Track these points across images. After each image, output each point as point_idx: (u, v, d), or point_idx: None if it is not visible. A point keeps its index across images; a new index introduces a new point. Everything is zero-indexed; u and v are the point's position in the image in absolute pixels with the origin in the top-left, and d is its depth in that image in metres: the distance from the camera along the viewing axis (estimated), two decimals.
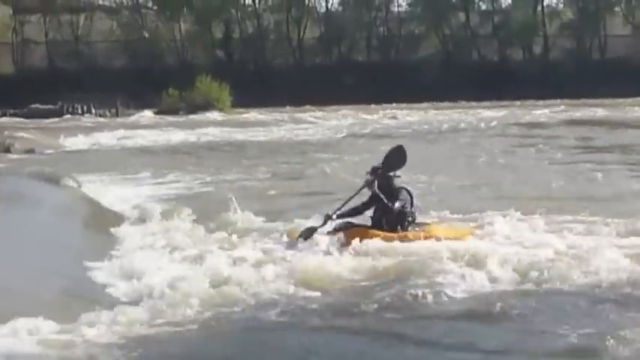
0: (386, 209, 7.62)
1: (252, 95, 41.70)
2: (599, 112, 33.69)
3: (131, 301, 5.78)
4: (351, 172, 12.54)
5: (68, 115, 38.61)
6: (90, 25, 53.39)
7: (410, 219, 7.74)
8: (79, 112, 39.92)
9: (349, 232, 7.48)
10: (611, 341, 4.79)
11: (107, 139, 25.12)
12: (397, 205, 7.61)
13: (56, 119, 36.37)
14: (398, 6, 57.52)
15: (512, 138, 22.04)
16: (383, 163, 7.94)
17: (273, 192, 11.94)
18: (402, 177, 8.11)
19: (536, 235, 8.03)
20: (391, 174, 7.88)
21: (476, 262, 6.68)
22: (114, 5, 55.90)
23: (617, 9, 56.42)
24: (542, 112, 34.81)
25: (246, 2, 55.97)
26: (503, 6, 57.37)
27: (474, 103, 40.59)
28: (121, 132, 27.57)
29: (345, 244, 7.24)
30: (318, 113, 36.31)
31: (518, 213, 8.93)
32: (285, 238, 7.82)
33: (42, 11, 52.28)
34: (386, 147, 8.84)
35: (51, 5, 52.27)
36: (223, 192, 12.02)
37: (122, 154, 20.44)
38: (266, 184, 13.03)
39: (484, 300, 5.82)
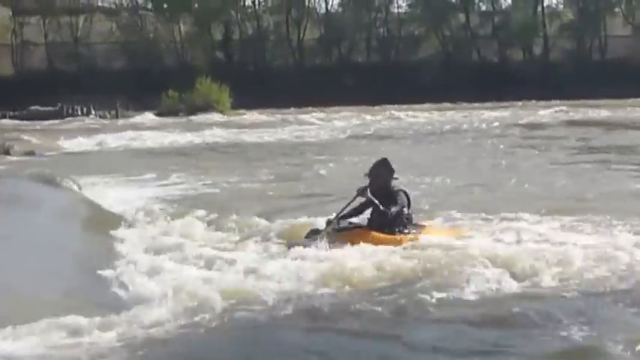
0: (382, 213, 7.60)
1: (252, 96, 41.66)
2: (600, 113, 33.70)
3: (133, 303, 5.77)
4: (353, 173, 12.47)
5: (68, 117, 38.55)
6: (89, 26, 53.37)
7: (406, 220, 7.74)
8: (79, 113, 39.84)
9: (350, 233, 7.47)
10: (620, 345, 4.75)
11: (107, 140, 25.01)
12: (394, 209, 7.59)
13: (56, 121, 36.33)
14: (398, 7, 57.69)
15: (514, 139, 22.03)
16: (370, 177, 7.89)
17: (275, 193, 11.94)
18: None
19: (539, 235, 7.99)
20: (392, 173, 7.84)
21: (476, 263, 6.66)
22: (113, 7, 55.88)
23: (617, 9, 56.44)
24: (543, 112, 34.79)
25: (246, 3, 56.07)
26: (503, 7, 57.49)
27: (475, 104, 40.57)
28: (121, 134, 27.48)
29: (345, 245, 7.24)
30: (319, 114, 36.29)
31: (522, 214, 8.94)
32: (285, 239, 7.81)
33: (41, 13, 52.25)
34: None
35: (50, 7, 52.29)
36: (225, 193, 12.07)
37: (122, 155, 20.41)
38: (268, 185, 13.02)
39: (486, 301, 5.82)
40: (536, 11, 56.02)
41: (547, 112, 35.18)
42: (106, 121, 36.86)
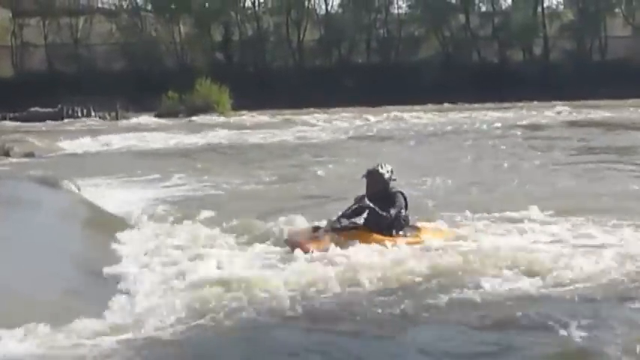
0: (381, 217, 7.58)
1: (251, 98, 41.64)
2: (600, 114, 33.67)
3: (133, 305, 5.76)
4: (354, 174, 12.44)
5: (68, 119, 38.53)
6: (89, 28, 53.35)
7: (403, 222, 7.73)
8: (79, 115, 39.83)
9: (348, 234, 7.45)
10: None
11: (107, 142, 25.01)
12: (393, 211, 7.57)
13: (56, 122, 36.35)
14: (398, 8, 57.66)
15: (515, 139, 22.00)
16: (367, 179, 7.89)
17: (276, 194, 11.94)
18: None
19: (541, 236, 7.99)
20: (386, 177, 7.80)
21: (473, 264, 6.66)
22: (113, 8, 55.89)
23: (617, 10, 56.39)
24: (544, 113, 34.78)
25: (246, 5, 56.04)
26: (503, 7, 57.44)
27: (476, 105, 40.59)
28: (121, 135, 27.46)
29: (343, 246, 7.22)
30: (320, 115, 36.31)
31: (523, 214, 8.95)
32: (285, 240, 7.77)
33: (41, 14, 52.22)
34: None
35: (50, 8, 52.27)
36: (226, 195, 12.05)
37: (122, 157, 20.37)
38: (270, 187, 13.01)
39: (486, 302, 5.79)
40: (536, 12, 55.99)
41: (547, 112, 35.16)
42: (106, 123, 36.84)
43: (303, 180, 13.81)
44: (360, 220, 7.63)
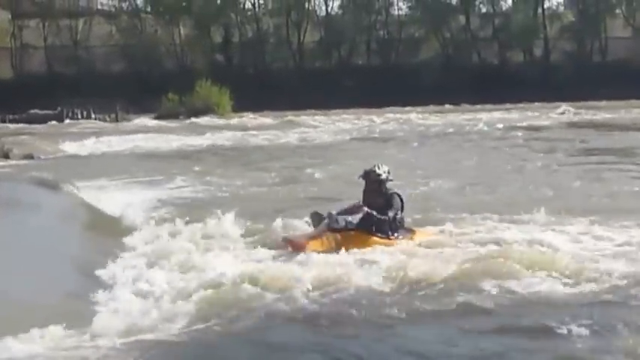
0: (379, 220, 7.56)
1: (252, 99, 41.59)
2: (601, 115, 33.65)
3: (133, 307, 5.75)
4: (356, 176, 12.42)
5: (67, 121, 38.50)
6: (89, 29, 53.34)
7: (399, 224, 7.75)
8: (79, 117, 39.79)
9: (345, 235, 7.44)
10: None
11: (107, 144, 25.00)
12: (390, 214, 7.56)
13: (55, 124, 36.31)
14: (398, 9, 57.66)
15: (517, 141, 21.98)
16: (364, 179, 7.90)
17: (279, 196, 11.92)
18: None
19: (544, 237, 7.92)
20: (383, 177, 7.71)
21: (469, 265, 6.65)
22: (113, 10, 55.91)
23: (617, 11, 56.41)
24: (545, 115, 34.76)
25: (246, 6, 56.03)
26: (504, 9, 57.42)
27: (478, 107, 40.62)
28: (121, 137, 27.44)
29: (343, 247, 7.23)
30: (321, 117, 36.35)
31: (526, 215, 8.90)
32: (283, 239, 7.77)
33: (41, 16, 52.22)
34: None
35: (50, 10, 52.27)
36: (227, 196, 12.01)
37: (122, 159, 20.33)
38: (271, 188, 12.94)
39: (484, 303, 5.77)
40: (537, 13, 56.00)
41: (549, 114, 35.15)
42: (105, 125, 36.78)
43: (306, 182, 13.74)
44: (355, 219, 7.61)
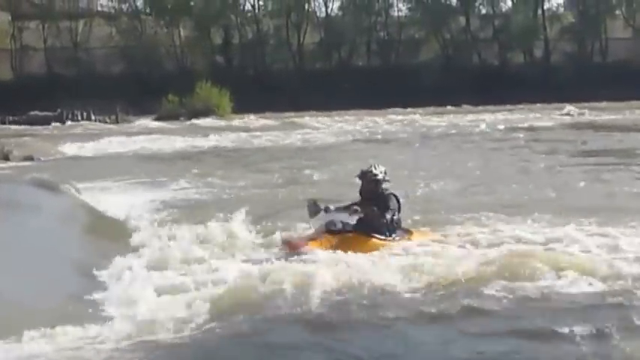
0: (377, 223, 7.56)
1: (252, 101, 41.58)
2: (606, 116, 33.67)
3: (133, 309, 5.74)
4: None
5: (67, 122, 38.46)
6: (89, 31, 53.38)
7: (395, 225, 7.74)
8: (79, 118, 39.76)
9: (343, 237, 7.43)
10: None
11: (107, 145, 25.00)
12: (388, 216, 7.57)
13: (55, 126, 36.28)
14: (398, 11, 57.69)
15: (519, 142, 21.97)
16: (361, 179, 7.91)
17: (282, 198, 11.89)
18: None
19: (539, 238, 7.94)
20: (380, 178, 7.72)
21: (465, 265, 6.64)
22: (112, 11, 55.96)
23: (617, 12, 56.45)
24: (547, 115, 34.75)
25: (246, 8, 56.11)
26: (504, 10, 57.46)
27: (479, 108, 40.63)
28: (121, 138, 27.46)
29: (342, 249, 7.21)
30: (322, 118, 36.32)
31: (522, 217, 8.96)
32: (282, 241, 7.76)
33: (40, 18, 52.27)
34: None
35: (49, 12, 52.32)
36: (228, 199, 11.97)
37: (122, 160, 20.29)
38: (275, 190, 12.89)
39: (482, 304, 5.75)
40: (537, 14, 56.03)
41: (550, 115, 35.16)
42: (105, 126, 36.78)
43: (310, 183, 13.69)
44: (353, 221, 7.62)
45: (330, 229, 7.53)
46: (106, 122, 39.04)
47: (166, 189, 13.38)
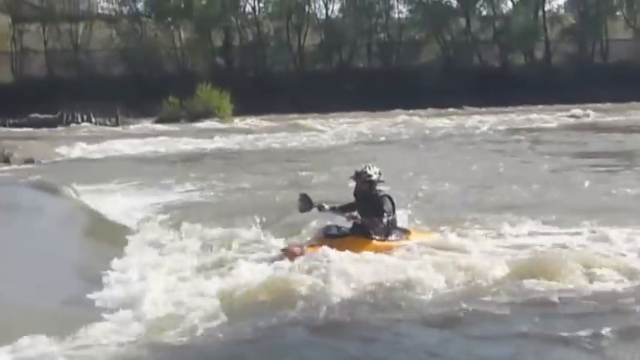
0: (375, 226, 7.54)
1: (252, 103, 41.55)
2: (604, 117, 33.62)
3: (136, 312, 5.73)
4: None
5: (68, 125, 38.44)
6: (89, 33, 53.37)
7: (391, 225, 7.73)
8: (79, 121, 39.75)
9: (341, 241, 7.41)
10: None
11: (107, 148, 24.98)
12: (385, 220, 7.57)
13: (55, 128, 36.27)
14: (398, 12, 57.66)
15: (523, 143, 21.96)
16: (356, 180, 7.89)
17: (283, 201, 11.72)
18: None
19: (538, 240, 7.96)
20: (374, 178, 7.73)
21: (463, 266, 6.63)
22: (113, 14, 55.95)
23: (618, 13, 56.45)
24: (547, 117, 34.71)
25: (246, 10, 56.10)
26: (504, 11, 57.45)
27: (482, 109, 40.58)
28: (122, 141, 27.46)
29: (338, 252, 7.17)
30: (324, 120, 36.29)
31: (524, 218, 8.94)
32: (282, 250, 7.69)
33: (41, 20, 52.26)
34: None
35: (50, 14, 52.30)
36: (231, 201, 11.90)
37: (122, 163, 20.27)
38: (278, 192, 12.81)
39: (483, 306, 5.74)
40: (537, 15, 56.00)
41: (551, 116, 35.10)
42: (106, 128, 36.78)
43: (311, 185, 13.60)
44: (348, 224, 7.62)
45: (327, 234, 7.52)
46: (107, 124, 39.02)
47: (170, 191, 13.36)
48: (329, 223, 7.76)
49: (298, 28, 54.93)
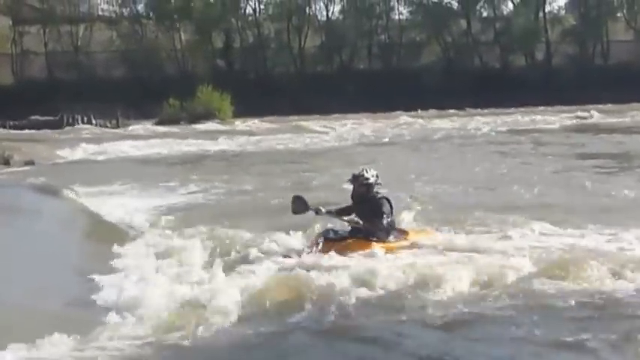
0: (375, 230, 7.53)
1: (253, 104, 41.58)
2: (605, 119, 33.59)
3: (133, 314, 5.69)
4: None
5: (68, 127, 38.40)
6: (89, 35, 53.47)
7: (389, 227, 7.71)
8: (79, 122, 39.66)
9: (346, 244, 7.39)
10: None
11: (108, 149, 24.99)
12: (385, 221, 7.54)
13: (56, 130, 36.19)
14: (399, 14, 57.73)
15: (523, 145, 21.97)
16: (353, 183, 7.86)
17: (281, 203, 11.66)
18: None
19: (537, 242, 7.88)
20: (371, 181, 7.72)
21: (462, 267, 6.59)
22: (113, 15, 56.04)
23: (619, 14, 56.50)
24: (548, 118, 34.71)
25: (247, 11, 56.16)
26: (505, 12, 57.54)
27: (484, 110, 40.64)
28: (122, 142, 27.47)
29: (338, 255, 7.16)
30: (324, 122, 36.32)
31: (524, 219, 8.89)
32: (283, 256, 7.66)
33: (41, 22, 52.35)
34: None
35: (50, 16, 52.41)
36: (232, 203, 11.86)
37: (123, 164, 20.27)
38: (280, 194, 12.74)
39: (483, 308, 5.71)
40: (538, 17, 56.06)
41: (552, 118, 35.15)
42: (106, 130, 36.75)
43: (315, 187, 13.57)
44: (346, 228, 7.61)
45: (326, 237, 7.50)
46: (107, 126, 38.97)
47: (173, 193, 13.31)
48: (330, 226, 7.75)
49: (299, 30, 54.98)
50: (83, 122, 39.72)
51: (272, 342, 5.18)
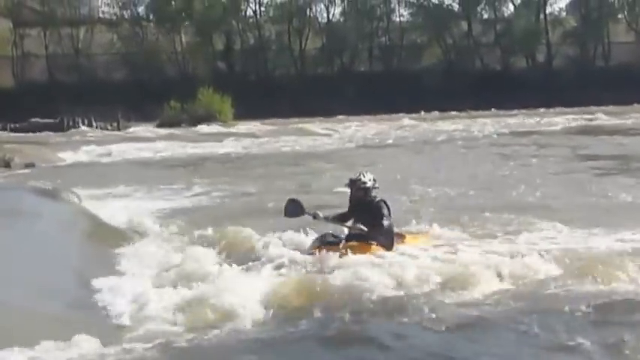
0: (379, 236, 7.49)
1: (254, 106, 41.66)
2: (606, 120, 33.55)
3: (133, 317, 5.67)
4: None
5: (69, 129, 38.44)
6: (90, 38, 53.56)
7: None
8: (80, 125, 39.74)
9: (346, 247, 7.33)
10: None
11: (109, 152, 24.97)
12: (386, 224, 7.49)
13: (56, 133, 36.25)
14: (399, 16, 57.80)
15: (525, 146, 21.93)
16: (350, 187, 7.82)
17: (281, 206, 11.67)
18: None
19: (538, 244, 7.82)
20: (369, 185, 7.70)
21: (462, 268, 6.58)
22: (114, 18, 56.12)
23: (620, 16, 56.56)
24: (549, 120, 34.71)
25: (247, 13, 56.26)
26: (506, 14, 57.68)
27: (486, 112, 40.65)
28: (123, 145, 27.43)
29: (338, 258, 7.09)
30: (325, 124, 36.32)
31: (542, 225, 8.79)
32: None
33: (42, 25, 52.45)
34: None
35: (51, 19, 52.53)
36: (233, 205, 11.82)
37: (124, 167, 20.25)
38: (279, 197, 12.69)
39: (483, 309, 5.69)
40: (539, 18, 56.14)
41: (553, 119, 35.14)
42: (107, 133, 36.78)
43: (314, 190, 13.54)
44: (343, 233, 7.59)
45: (326, 242, 7.48)
46: (108, 129, 39.02)
47: (177, 195, 13.26)
48: (330, 231, 7.72)
49: (299, 32, 55.04)
50: (84, 125, 39.80)
51: (277, 343, 5.15)
